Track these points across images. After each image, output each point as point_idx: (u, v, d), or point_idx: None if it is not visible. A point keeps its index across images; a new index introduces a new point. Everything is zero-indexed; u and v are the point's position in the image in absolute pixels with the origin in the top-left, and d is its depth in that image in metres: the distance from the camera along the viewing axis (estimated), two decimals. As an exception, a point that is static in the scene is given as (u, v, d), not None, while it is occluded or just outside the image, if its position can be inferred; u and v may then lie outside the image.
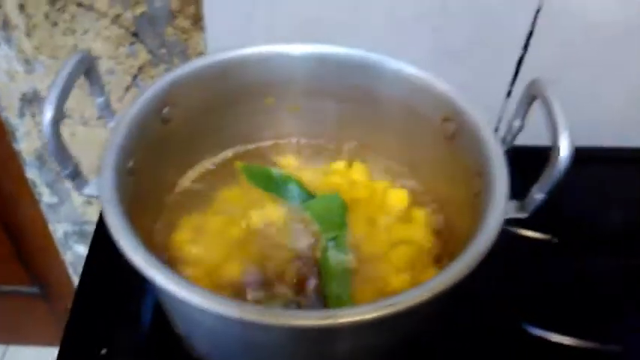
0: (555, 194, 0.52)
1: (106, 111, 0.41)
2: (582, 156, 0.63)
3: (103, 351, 0.47)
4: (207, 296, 0.31)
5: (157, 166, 0.43)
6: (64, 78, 0.35)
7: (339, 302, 0.41)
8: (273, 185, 0.48)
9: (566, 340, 0.50)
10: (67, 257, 0.95)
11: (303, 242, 0.45)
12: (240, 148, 0.50)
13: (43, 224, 0.89)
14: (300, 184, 0.48)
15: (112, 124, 0.41)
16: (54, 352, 1.23)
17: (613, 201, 0.60)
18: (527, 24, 0.61)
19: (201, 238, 0.46)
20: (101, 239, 0.55)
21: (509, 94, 0.67)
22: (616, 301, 0.53)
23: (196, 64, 0.44)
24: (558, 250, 0.56)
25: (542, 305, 0.52)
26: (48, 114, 0.34)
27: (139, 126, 0.40)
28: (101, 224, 0.56)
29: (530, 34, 0.62)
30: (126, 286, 0.50)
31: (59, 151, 0.35)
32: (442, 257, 0.45)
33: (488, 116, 0.43)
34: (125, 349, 0.47)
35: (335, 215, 0.46)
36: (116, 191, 0.35)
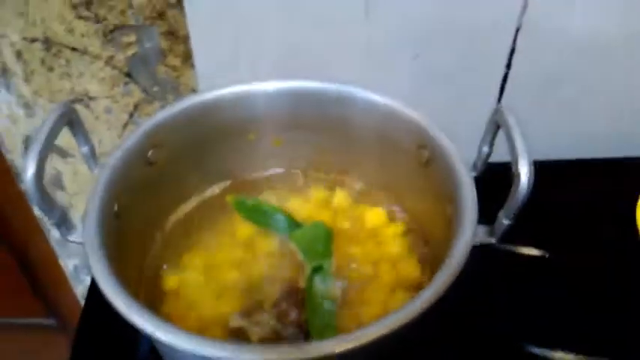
0: (545, 209, 0.53)
1: (91, 160, 0.43)
2: (573, 169, 0.65)
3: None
4: (181, 337, 0.32)
5: (142, 207, 0.45)
6: (45, 133, 0.37)
7: (324, 332, 0.42)
8: (262, 217, 0.50)
9: (563, 356, 0.50)
10: (79, 290, 0.97)
11: (288, 272, 0.47)
12: (225, 184, 0.52)
13: (54, 259, 0.92)
14: (287, 215, 0.50)
15: (96, 171, 0.43)
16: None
17: (603, 213, 0.60)
18: (508, 43, 0.62)
19: (188, 273, 0.47)
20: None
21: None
22: (611, 314, 0.53)
23: (177, 107, 0.46)
24: (551, 265, 0.57)
25: (538, 320, 0.53)
26: (30, 171, 0.35)
27: (123, 169, 0.42)
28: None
29: (512, 52, 0.63)
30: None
31: (43, 202, 0.37)
32: (426, 278, 0.46)
33: (472, 144, 0.44)
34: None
35: (319, 244, 0.47)
36: (100, 237, 0.37)
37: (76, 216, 0.83)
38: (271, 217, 0.49)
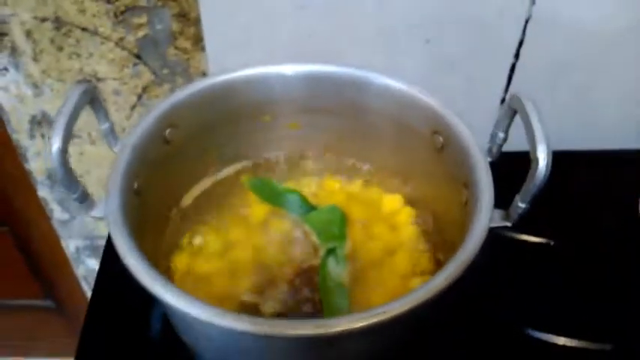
0: (550, 197, 0.54)
1: (111, 136, 0.44)
2: (577, 159, 0.66)
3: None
4: (208, 310, 0.33)
5: (160, 185, 0.45)
6: (69, 109, 0.37)
7: (337, 311, 0.43)
8: (276, 197, 0.51)
9: (566, 342, 0.51)
10: (80, 271, 0.98)
11: (303, 252, 0.47)
12: (240, 165, 0.53)
13: (56, 240, 0.92)
14: (302, 197, 0.51)
15: (117, 148, 0.43)
16: (66, 363, 1.23)
17: (608, 203, 0.61)
18: (518, 33, 0.63)
19: (203, 251, 0.48)
20: (111, 254, 0.56)
21: (503, 100, 0.69)
22: (614, 302, 0.54)
23: (195, 86, 0.46)
24: (555, 252, 0.58)
25: (540, 306, 0.54)
26: (55, 145, 0.36)
27: (142, 148, 0.42)
28: (110, 239, 0.58)
29: (521, 42, 0.63)
30: (136, 299, 0.52)
31: (67, 178, 0.37)
32: (439, 262, 0.47)
33: (480, 131, 0.45)
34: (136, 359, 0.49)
35: (334, 227, 0.48)
36: (122, 212, 0.38)
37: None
38: (286, 198, 0.50)
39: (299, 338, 0.32)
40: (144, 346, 0.50)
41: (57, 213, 0.86)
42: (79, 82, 0.38)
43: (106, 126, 0.43)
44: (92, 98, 0.40)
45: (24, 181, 0.82)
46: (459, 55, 0.65)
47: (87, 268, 0.96)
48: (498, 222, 0.39)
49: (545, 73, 0.67)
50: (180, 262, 0.47)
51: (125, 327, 0.51)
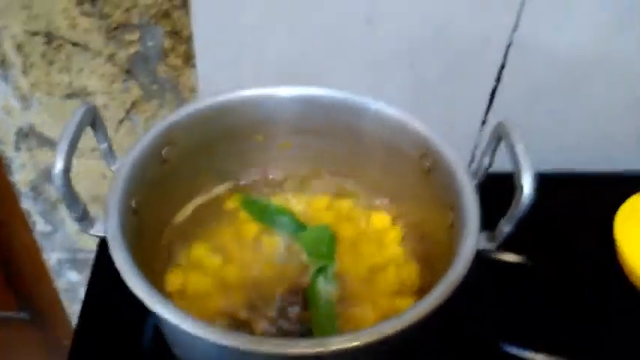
0: (529, 218, 0.56)
1: (109, 156, 0.44)
2: (555, 180, 0.68)
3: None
4: (206, 328, 0.34)
5: (156, 203, 0.46)
6: (72, 129, 0.38)
7: (325, 330, 0.45)
8: (268, 216, 0.52)
9: (541, 358, 0.53)
10: (60, 284, 0.97)
11: (293, 270, 0.49)
12: (232, 184, 0.54)
13: (36, 252, 0.91)
14: (292, 217, 0.52)
15: (115, 167, 0.44)
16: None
17: (585, 223, 0.64)
18: (499, 58, 0.65)
19: (196, 268, 0.49)
20: (101, 268, 0.57)
21: (483, 122, 0.71)
22: (591, 321, 0.56)
23: (193, 107, 0.47)
24: (533, 272, 0.60)
25: (519, 325, 0.55)
26: (59, 165, 0.37)
27: (140, 167, 0.43)
28: (101, 254, 0.59)
29: (502, 66, 0.66)
30: (126, 312, 0.53)
31: (69, 197, 0.38)
32: (425, 282, 0.48)
33: (461, 152, 0.47)
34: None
35: (324, 246, 0.49)
36: (121, 231, 0.38)
37: (63, 210, 0.83)
38: (277, 218, 0.51)
39: (296, 357, 0.33)
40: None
41: (39, 225, 0.86)
42: (82, 103, 0.39)
43: (104, 145, 0.44)
44: (93, 118, 0.41)
45: (7, 192, 0.82)
46: (442, 78, 0.67)
47: (68, 280, 0.96)
48: (484, 244, 0.41)
49: (525, 97, 0.69)
50: (173, 279, 0.47)
51: (115, 341, 0.51)
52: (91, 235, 0.40)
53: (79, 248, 0.90)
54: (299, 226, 0.51)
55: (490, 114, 0.71)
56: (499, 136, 0.42)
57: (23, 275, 0.99)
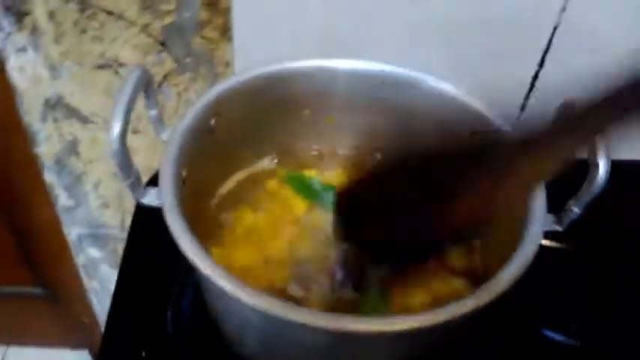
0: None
1: (158, 123, 0.43)
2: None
3: (143, 354, 0.48)
4: (273, 302, 0.32)
5: (203, 174, 0.45)
6: (128, 92, 0.37)
7: (377, 310, 0.43)
8: (313, 192, 0.50)
9: (580, 345, 0.52)
10: (80, 260, 0.96)
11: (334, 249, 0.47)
12: (276, 158, 0.52)
13: (57, 227, 0.90)
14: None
15: (164, 136, 0.43)
16: (55, 353, 1.25)
17: (629, 210, 0.62)
18: (544, 40, 0.63)
19: (240, 243, 0.48)
20: (135, 244, 0.56)
21: (522, 107, 0.70)
22: (629, 308, 0.55)
23: (243, 76, 0.46)
24: (574, 258, 0.59)
25: (560, 311, 0.55)
26: (116, 129, 0.35)
27: (191, 136, 0.42)
28: (135, 230, 0.57)
29: (547, 50, 0.64)
30: (162, 290, 0.52)
31: (125, 162, 0.36)
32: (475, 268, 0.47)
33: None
34: (165, 350, 0.48)
35: None
36: (177, 201, 0.37)
37: (87, 184, 0.82)
38: (322, 194, 0.50)
39: (366, 334, 0.32)
40: (171, 339, 0.49)
41: (62, 199, 0.85)
42: (136, 65, 0.37)
43: (154, 112, 0.42)
44: (147, 83, 0.39)
45: (30, 165, 0.81)
46: (481, 60, 0.65)
47: (87, 256, 0.95)
48: (549, 226, 0.39)
49: (567, 84, 0.67)
50: (217, 255, 0.46)
51: (151, 320, 0.50)
52: (142, 204, 0.39)
53: (101, 224, 0.88)
54: None
55: (530, 99, 0.69)
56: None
57: (41, 250, 0.98)
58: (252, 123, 0.49)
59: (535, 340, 0.52)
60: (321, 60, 0.48)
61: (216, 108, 0.45)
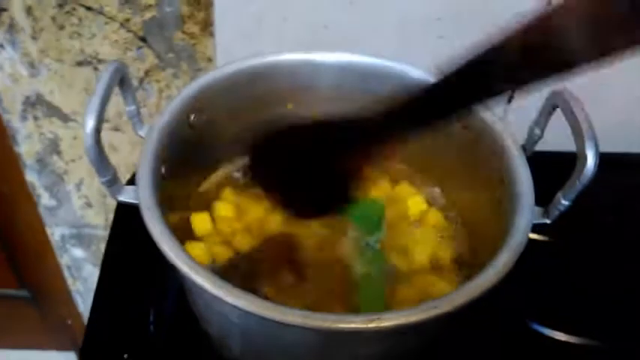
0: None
1: (136, 118, 0.42)
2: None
3: (125, 355, 0.47)
4: (254, 301, 0.32)
5: (183, 172, 0.44)
6: (102, 87, 0.36)
7: (374, 306, 0.42)
8: None
9: (569, 338, 0.52)
10: (64, 260, 0.95)
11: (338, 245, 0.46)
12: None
13: (40, 227, 0.89)
14: None
15: (142, 132, 0.42)
16: (41, 355, 1.22)
17: (615, 204, 0.62)
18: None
19: (220, 240, 0.47)
20: (117, 243, 0.55)
21: (510, 99, 0.69)
22: (617, 300, 0.55)
23: (224, 70, 0.45)
24: (560, 251, 0.58)
25: (546, 304, 0.54)
26: (90, 123, 0.34)
27: (170, 133, 0.41)
28: (116, 228, 0.56)
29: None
30: (144, 289, 0.51)
31: (99, 159, 0.35)
32: (463, 261, 0.46)
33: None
34: (147, 351, 0.47)
35: (375, 220, 0.47)
36: (154, 199, 0.36)
37: (70, 183, 0.80)
38: None
39: (350, 332, 0.31)
40: (154, 340, 0.48)
41: (44, 199, 0.83)
42: (111, 62, 0.36)
43: (132, 108, 0.41)
44: (122, 78, 0.38)
45: (11, 164, 0.79)
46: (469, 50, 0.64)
47: (71, 257, 0.93)
48: (537, 219, 0.39)
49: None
50: (196, 252, 0.45)
51: (133, 321, 0.49)
52: (120, 201, 0.38)
53: (85, 224, 0.87)
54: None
55: (517, 91, 0.68)
56: (554, 105, 0.40)
57: (25, 251, 0.96)
58: (234, 118, 0.48)
59: (522, 332, 0.52)
60: (305, 53, 0.47)
61: (196, 103, 0.44)
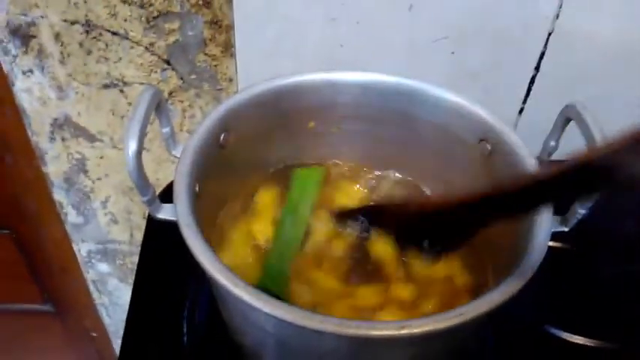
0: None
1: (171, 140, 0.44)
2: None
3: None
4: (289, 310, 0.33)
5: (215, 189, 0.46)
6: (142, 111, 0.38)
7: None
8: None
9: (587, 342, 0.53)
10: (89, 275, 0.97)
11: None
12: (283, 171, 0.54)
13: (66, 243, 0.91)
14: None
15: (176, 152, 0.44)
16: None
17: (626, 212, 0.63)
18: (540, 46, 0.65)
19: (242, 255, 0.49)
20: (148, 259, 0.57)
21: (521, 111, 0.71)
22: (632, 305, 0.57)
23: (250, 91, 0.47)
24: (576, 258, 0.60)
25: (563, 309, 0.56)
26: (132, 147, 0.36)
27: (202, 152, 0.43)
28: (147, 245, 0.58)
29: (542, 55, 0.66)
30: (176, 303, 0.53)
31: (141, 180, 0.38)
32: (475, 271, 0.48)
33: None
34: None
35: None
36: (193, 216, 0.38)
37: (96, 201, 0.83)
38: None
39: (380, 339, 0.33)
40: (189, 347, 0.50)
41: (71, 216, 0.86)
42: (147, 85, 0.39)
43: (167, 129, 0.44)
44: (159, 102, 0.41)
45: (39, 184, 0.82)
46: (482, 66, 0.67)
47: (97, 272, 0.96)
48: (556, 227, 0.40)
49: (564, 86, 0.69)
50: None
51: (164, 335, 0.51)
52: (159, 219, 0.40)
53: (110, 239, 0.89)
54: None
55: (527, 103, 0.70)
56: (567, 118, 0.42)
57: (51, 267, 0.99)
58: (260, 137, 0.50)
59: (541, 336, 0.53)
60: (326, 73, 0.49)
61: (224, 124, 0.46)
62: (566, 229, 0.41)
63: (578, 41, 0.64)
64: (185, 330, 0.51)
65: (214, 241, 0.48)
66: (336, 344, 0.36)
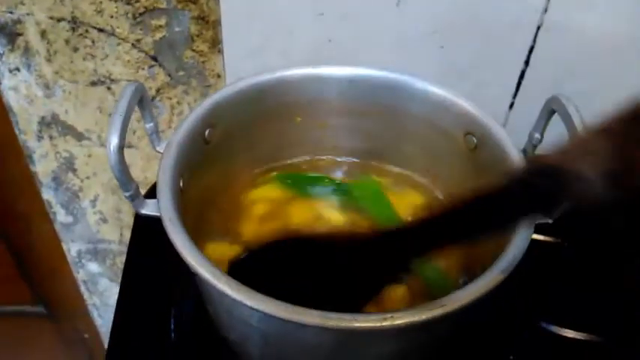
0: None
1: (155, 135, 0.44)
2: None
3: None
4: (272, 304, 0.33)
5: (199, 185, 0.46)
6: (124, 106, 0.38)
7: None
8: (307, 184, 0.52)
9: (577, 335, 0.53)
10: (80, 275, 0.97)
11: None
12: (270, 166, 0.53)
13: (56, 243, 0.91)
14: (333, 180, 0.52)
15: (160, 148, 0.44)
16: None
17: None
18: (529, 40, 0.65)
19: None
20: (135, 256, 0.57)
21: (511, 105, 0.71)
22: (624, 300, 0.56)
23: (235, 87, 0.47)
24: (568, 252, 0.60)
25: (554, 303, 0.56)
26: (114, 141, 0.36)
27: (186, 148, 0.43)
28: (134, 242, 0.58)
29: (531, 49, 0.65)
30: (164, 299, 0.53)
31: (123, 175, 0.37)
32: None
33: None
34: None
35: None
36: (176, 211, 0.38)
37: (85, 200, 0.82)
38: (315, 184, 0.51)
39: (363, 331, 0.33)
40: (177, 343, 0.50)
41: (60, 216, 0.85)
42: (131, 82, 0.38)
43: (150, 125, 0.43)
44: (142, 97, 0.40)
45: (27, 183, 0.81)
46: (471, 61, 0.67)
47: (87, 272, 0.95)
48: (540, 218, 0.40)
49: (553, 80, 0.69)
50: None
51: (152, 333, 0.51)
52: (142, 214, 0.40)
53: (100, 239, 0.89)
54: (340, 187, 0.51)
55: (518, 97, 0.70)
56: (551, 110, 0.42)
57: (41, 267, 0.98)
58: (246, 133, 0.50)
59: (531, 330, 0.53)
60: (313, 68, 0.49)
61: (209, 119, 0.46)
62: (550, 221, 0.41)
63: (567, 36, 0.64)
64: (172, 326, 0.51)
65: (201, 237, 0.48)
66: (320, 337, 0.35)
